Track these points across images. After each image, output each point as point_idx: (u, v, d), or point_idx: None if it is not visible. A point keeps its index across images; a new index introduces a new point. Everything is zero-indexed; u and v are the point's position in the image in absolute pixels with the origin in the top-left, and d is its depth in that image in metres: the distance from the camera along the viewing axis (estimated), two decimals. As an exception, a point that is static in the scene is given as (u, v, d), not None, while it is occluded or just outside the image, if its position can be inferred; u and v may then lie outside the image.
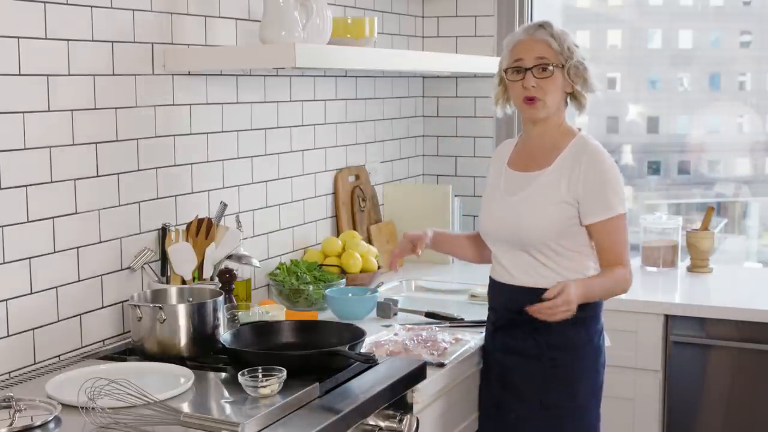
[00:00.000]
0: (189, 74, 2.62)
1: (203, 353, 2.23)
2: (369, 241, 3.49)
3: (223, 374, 2.11)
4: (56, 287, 2.25)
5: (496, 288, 2.52)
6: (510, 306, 2.45)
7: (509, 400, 2.46)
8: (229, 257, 2.59)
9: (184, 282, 2.50)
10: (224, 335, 2.23)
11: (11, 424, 1.74)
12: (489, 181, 2.58)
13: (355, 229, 3.42)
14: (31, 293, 2.19)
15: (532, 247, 2.40)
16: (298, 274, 2.94)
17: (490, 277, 2.55)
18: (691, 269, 3.52)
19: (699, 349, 3.05)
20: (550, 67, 2.39)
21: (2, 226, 2.10)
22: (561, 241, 2.38)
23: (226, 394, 1.98)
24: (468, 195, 3.85)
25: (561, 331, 2.39)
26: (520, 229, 2.40)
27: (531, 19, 3.79)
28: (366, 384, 2.09)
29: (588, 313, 2.42)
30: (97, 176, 2.34)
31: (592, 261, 2.44)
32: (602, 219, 2.37)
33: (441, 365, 2.36)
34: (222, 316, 2.30)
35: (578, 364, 2.43)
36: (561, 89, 2.43)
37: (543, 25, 2.44)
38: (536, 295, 2.37)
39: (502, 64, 2.49)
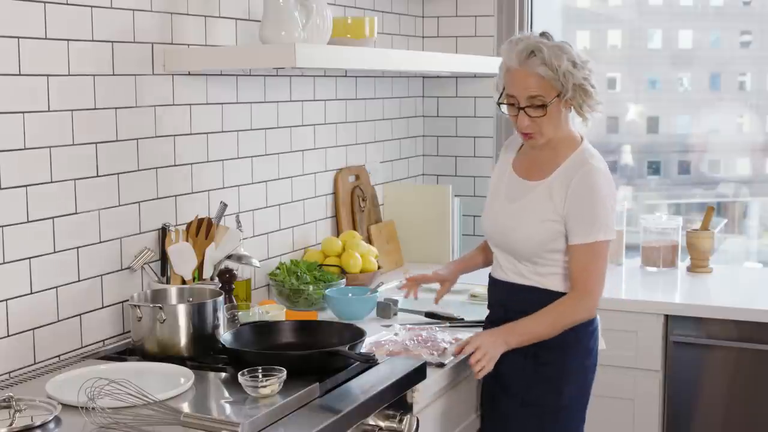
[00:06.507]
0: (189, 74, 2.62)
1: (203, 353, 2.23)
2: (369, 241, 3.49)
3: (223, 374, 2.11)
4: (56, 287, 2.25)
5: (492, 285, 2.55)
6: (503, 301, 2.48)
7: (499, 393, 2.46)
8: (229, 257, 2.59)
9: (184, 282, 2.50)
10: (224, 335, 2.23)
11: (11, 424, 1.74)
12: (493, 180, 2.57)
13: (355, 229, 3.42)
14: (31, 293, 2.19)
15: (522, 257, 2.42)
16: (298, 274, 2.94)
17: (489, 275, 2.58)
18: (691, 269, 3.52)
19: (699, 349, 3.05)
20: (545, 104, 2.31)
21: (2, 226, 2.10)
22: (550, 253, 2.38)
23: (226, 394, 1.98)
24: (468, 195, 3.85)
25: None
26: (511, 240, 2.42)
27: (531, 20, 3.79)
28: (366, 384, 2.09)
29: None
30: (97, 176, 2.35)
31: None
32: (580, 243, 2.34)
33: (441, 365, 2.36)
34: (222, 316, 2.30)
35: (564, 363, 2.41)
36: (559, 116, 2.36)
37: (535, 51, 2.29)
38: (527, 292, 2.41)
39: (498, 85, 2.42)
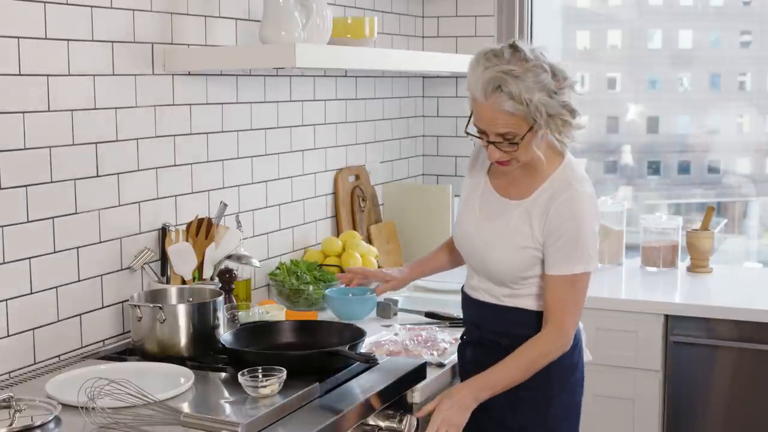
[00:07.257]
0: (189, 74, 2.62)
1: (203, 353, 2.23)
2: (369, 241, 3.49)
3: (223, 374, 2.11)
4: (56, 287, 2.25)
5: (466, 301, 2.39)
6: (477, 321, 2.34)
7: (488, 425, 2.28)
8: (229, 257, 2.59)
9: (184, 282, 2.50)
10: (224, 335, 2.23)
11: (11, 424, 1.74)
12: (465, 190, 2.36)
13: (355, 229, 3.42)
14: (31, 293, 2.19)
15: (499, 282, 2.26)
16: (298, 274, 2.94)
17: (461, 289, 2.42)
18: (691, 269, 3.52)
19: (699, 349, 3.05)
20: (516, 142, 2.08)
21: (2, 226, 2.10)
22: (527, 279, 2.23)
23: (226, 394, 1.98)
24: (468, 195, 3.85)
25: None
26: (486, 262, 2.26)
27: (531, 20, 3.78)
28: (366, 384, 2.10)
29: None
30: (97, 176, 2.35)
31: None
32: (557, 274, 2.16)
33: (441, 365, 2.36)
34: (222, 316, 2.31)
35: (546, 386, 2.23)
36: (534, 142, 2.12)
37: (501, 85, 2.01)
38: (502, 312, 2.27)
39: (469, 111, 2.16)
